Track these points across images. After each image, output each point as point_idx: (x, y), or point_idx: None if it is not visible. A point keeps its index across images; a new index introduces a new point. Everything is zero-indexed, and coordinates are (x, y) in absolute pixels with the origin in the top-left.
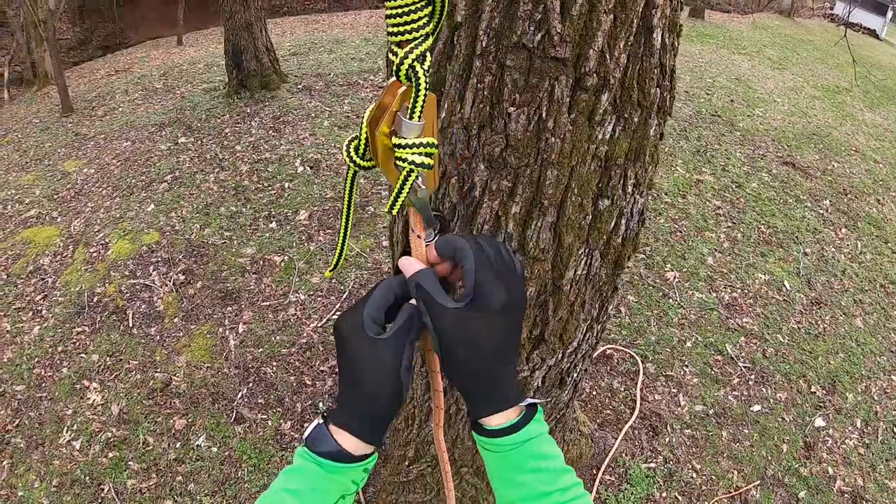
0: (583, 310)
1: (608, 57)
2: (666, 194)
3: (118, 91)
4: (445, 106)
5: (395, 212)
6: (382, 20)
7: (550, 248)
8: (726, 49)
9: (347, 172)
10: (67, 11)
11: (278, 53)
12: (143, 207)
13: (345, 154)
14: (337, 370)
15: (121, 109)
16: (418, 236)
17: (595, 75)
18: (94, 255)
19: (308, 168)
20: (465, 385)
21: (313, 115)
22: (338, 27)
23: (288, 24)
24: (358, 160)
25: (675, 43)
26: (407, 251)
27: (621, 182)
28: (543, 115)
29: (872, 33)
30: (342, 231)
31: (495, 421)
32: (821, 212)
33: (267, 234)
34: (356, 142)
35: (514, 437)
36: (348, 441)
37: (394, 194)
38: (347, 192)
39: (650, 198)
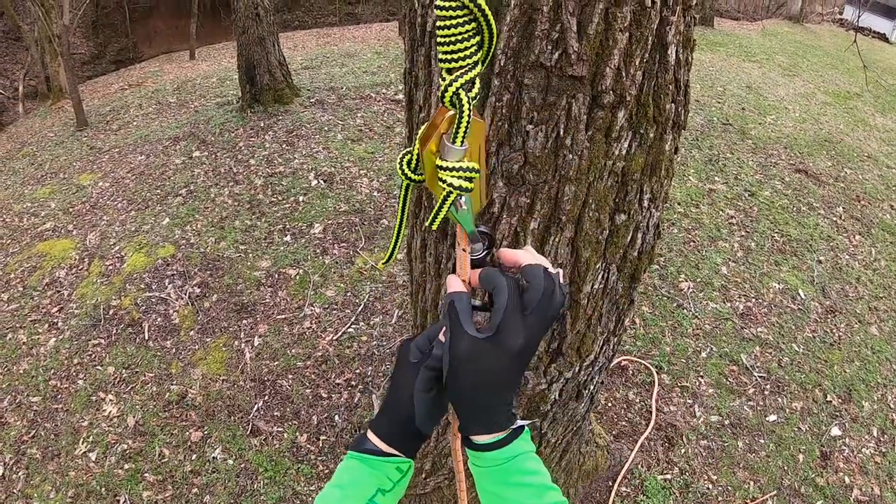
0: (600, 323)
1: (624, 74)
2: (679, 204)
3: (132, 105)
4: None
5: (434, 227)
6: (393, 33)
7: (568, 263)
8: (736, 57)
9: (402, 183)
10: (81, 26)
11: (291, 67)
12: (158, 221)
13: (398, 167)
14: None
15: (135, 123)
16: (463, 249)
17: (611, 92)
18: (110, 267)
19: (322, 181)
20: (459, 405)
21: (326, 128)
22: (349, 41)
23: (300, 37)
24: (410, 174)
25: (690, 58)
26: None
27: (637, 197)
28: (561, 132)
29: (882, 37)
30: (396, 230)
31: (482, 438)
32: (834, 219)
33: (282, 248)
34: (409, 156)
35: (500, 454)
36: (381, 444)
37: (434, 211)
38: (402, 199)
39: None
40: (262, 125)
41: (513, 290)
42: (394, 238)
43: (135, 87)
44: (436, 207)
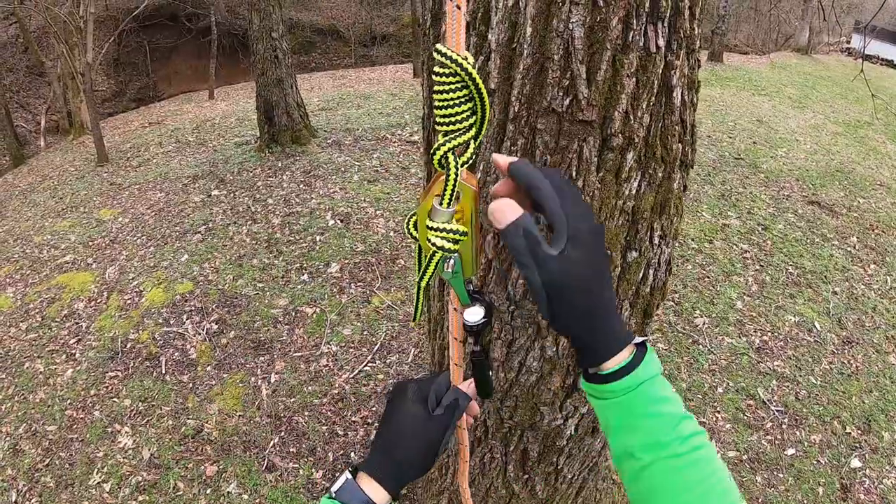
0: None
1: (632, 117)
2: (692, 240)
3: (152, 143)
4: (481, 168)
5: (423, 284)
6: (408, 75)
7: None
8: (746, 91)
9: (416, 244)
10: (103, 64)
11: (308, 109)
12: (176, 257)
13: (405, 228)
14: (376, 423)
15: (155, 161)
16: (455, 309)
17: (620, 135)
18: (129, 302)
19: (339, 221)
20: (578, 331)
21: (343, 169)
22: (364, 82)
23: (316, 79)
24: (415, 234)
25: (695, 99)
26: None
27: (648, 234)
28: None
29: (890, 63)
30: (417, 290)
31: (609, 364)
32: (848, 249)
33: (299, 286)
34: (414, 217)
35: (630, 380)
36: (377, 493)
37: (421, 270)
38: (417, 257)
39: (677, 244)
40: (279, 165)
41: (555, 183)
42: (416, 298)
43: (155, 125)
44: (423, 266)
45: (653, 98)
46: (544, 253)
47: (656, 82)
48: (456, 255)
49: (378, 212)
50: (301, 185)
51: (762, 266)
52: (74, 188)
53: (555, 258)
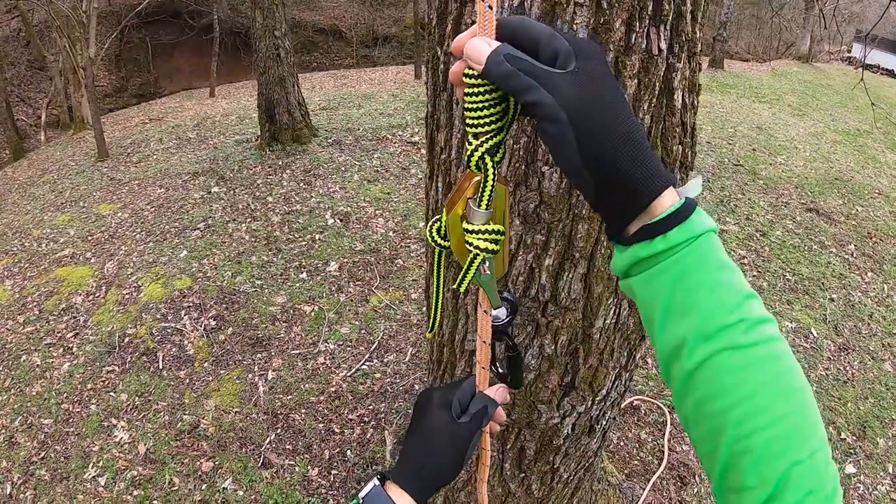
0: (612, 358)
1: None
2: None
3: (153, 139)
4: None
5: (462, 289)
6: (409, 76)
7: (581, 298)
8: (747, 98)
9: (434, 251)
10: (105, 60)
11: (309, 108)
12: (175, 253)
13: (428, 236)
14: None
15: (155, 157)
16: (485, 311)
17: None
18: (127, 296)
19: (338, 220)
20: (610, 161)
21: (343, 168)
22: (366, 83)
23: (317, 79)
24: (440, 241)
25: (696, 102)
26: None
27: None
28: None
29: (890, 73)
30: (435, 298)
31: (665, 203)
32: (846, 257)
33: (297, 284)
34: (438, 224)
35: (686, 229)
36: (404, 501)
37: (461, 274)
38: (436, 267)
39: None
40: (280, 163)
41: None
42: (434, 305)
43: (155, 122)
44: (463, 270)
45: (654, 100)
46: (548, 71)
47: (658, 84)
48: (491, 256)
49: (378, 211)
50: (301, 184)
51: (760, 272)
52: (74, 182)
53: (566, 74)
